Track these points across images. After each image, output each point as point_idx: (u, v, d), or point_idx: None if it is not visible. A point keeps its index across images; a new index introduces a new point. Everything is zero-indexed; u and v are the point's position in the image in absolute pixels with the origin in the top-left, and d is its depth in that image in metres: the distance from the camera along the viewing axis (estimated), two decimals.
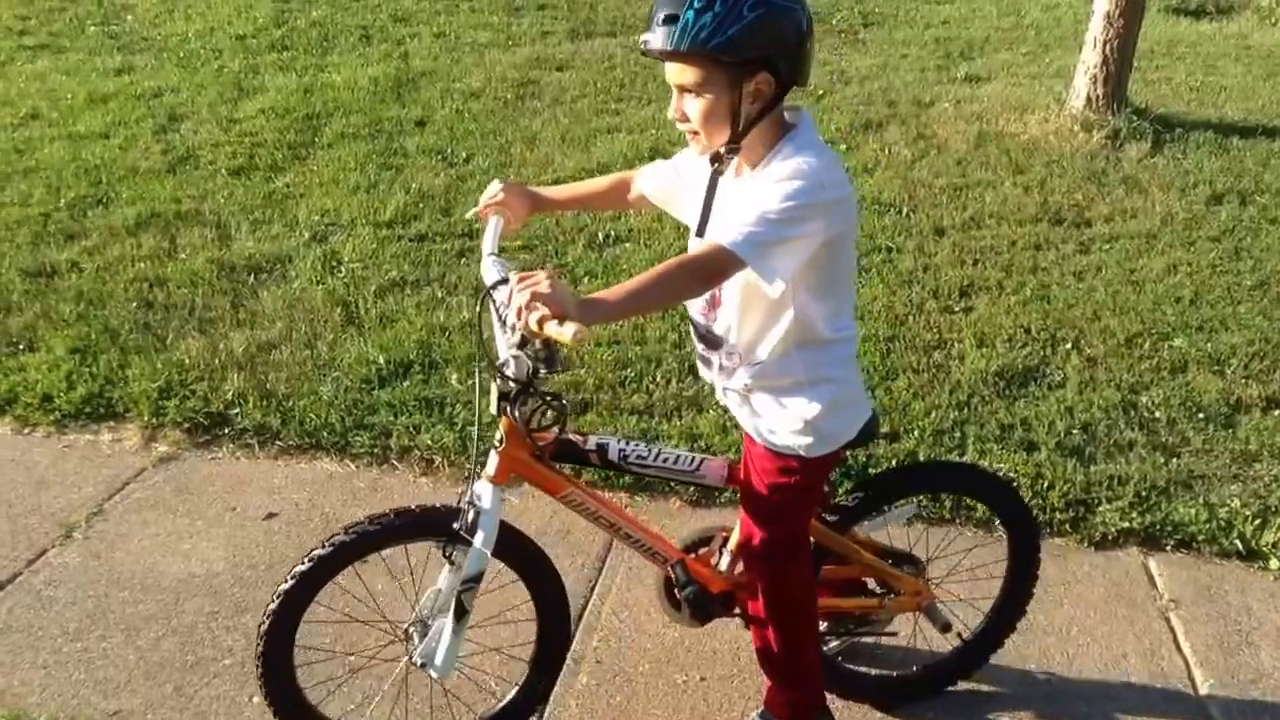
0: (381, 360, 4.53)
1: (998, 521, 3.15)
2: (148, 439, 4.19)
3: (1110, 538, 3.73)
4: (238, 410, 4.27)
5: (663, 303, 2.31)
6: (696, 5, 2.13)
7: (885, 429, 4.17)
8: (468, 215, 2.71)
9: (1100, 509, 3.81)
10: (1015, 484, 3.23)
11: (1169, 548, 3.72)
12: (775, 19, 2.17)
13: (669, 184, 2.62)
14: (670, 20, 2.15)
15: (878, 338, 4.80)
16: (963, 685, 3.14)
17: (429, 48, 8.84)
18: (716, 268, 2.15)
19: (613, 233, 5.69)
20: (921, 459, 4.02)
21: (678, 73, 2.23)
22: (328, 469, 4.06)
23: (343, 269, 5.34)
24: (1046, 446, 4.09)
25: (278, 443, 4.18)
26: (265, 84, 7.94)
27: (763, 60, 2.19)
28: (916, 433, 4.16)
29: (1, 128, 7.06)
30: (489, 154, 6.76)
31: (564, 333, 1.97)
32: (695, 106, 2.24)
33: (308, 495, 3.91)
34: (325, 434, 4.16)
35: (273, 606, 2.54)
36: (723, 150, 2.30)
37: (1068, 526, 3.77)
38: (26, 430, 4.25)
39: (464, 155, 6.74)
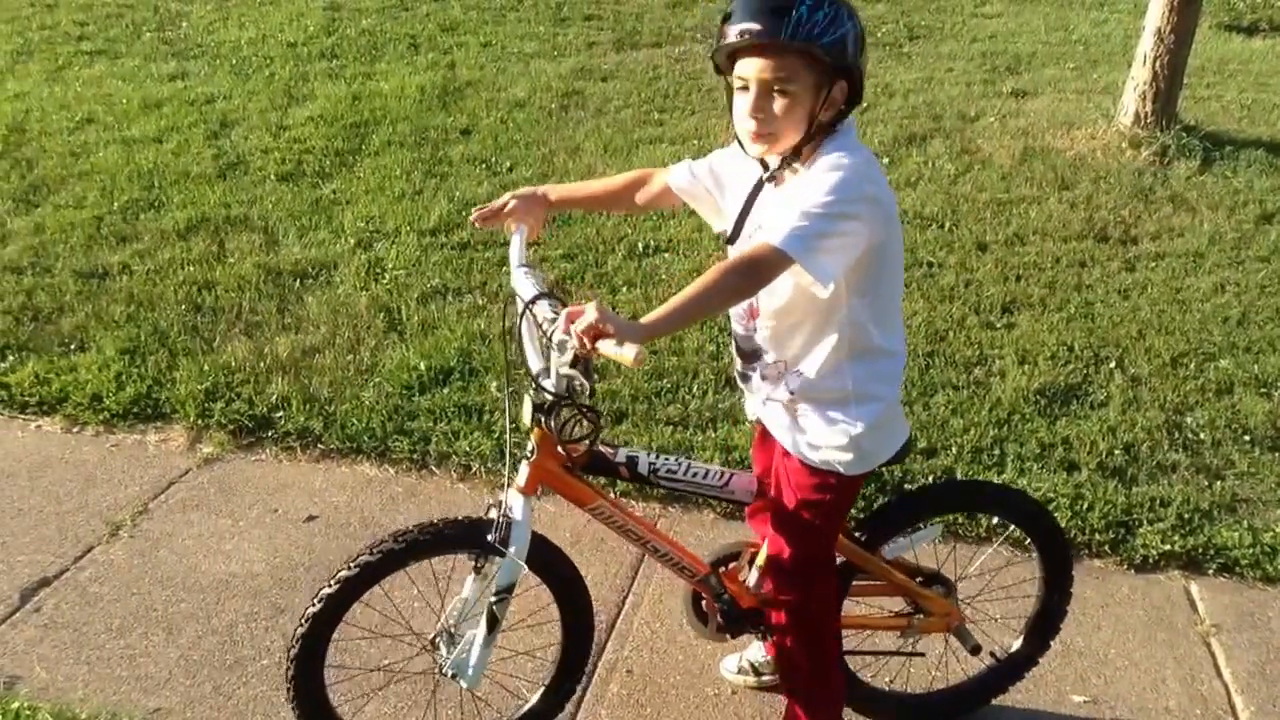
0: (422, 367, 4.57)
1: (1028, 541, 3.09)
2: (193, 440, 4.25)
3: (1151, 560, 3.70)
4: (281, 413, 4.33)
5: (717, 307, 2.30)
6: (808, 2, 2.15)
7: (923, 444, 4.16)
8: (472, 220, 2.70)
9: (1141, 531, 3.77)
10: (1036, 500, 3.22)
11: (1211, 572, 3.68)
12: (861, 34, 2.24)
13: (704, 183, 2.61)
14: (781, 12, 2.16)
15: (917, 353, 4.78)
16: (997, 707, 3.12)
17: (475, 57, 8.91)
18: (766, 267, 2.17)
19: (652, 243, 5.71)
20: (959, 477, 4.00)
21: (771, 67, 2.22)
22: (367, 473, 4.11)
23: (386, 276, 5.40)
24: (1088, 467, 4.07)
25: (319, 446, 4.23)
26: (315, 91, 8.04)
27: (847, 70, 2.23)
28: (955, 449, 4.14)
29: (58, 131, 7.19)
30: (532, 164, 6.80)
31: (625, 354, 2.01)
32: (780, 103, 2.24)
33: (347, 498, 3.95)
34: (366, 438, 4.21)
35: (311, 608, 2.53)
36: (772, 161, 2.33)
37: (1108, 548, 3.74)
38: (76, 429, 4.33)
39: (508, 165, 6.78)
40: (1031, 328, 5.02)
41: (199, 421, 4.31)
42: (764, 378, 2.53)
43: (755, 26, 2.18)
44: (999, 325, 5.07)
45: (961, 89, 8.46)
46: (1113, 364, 4.75)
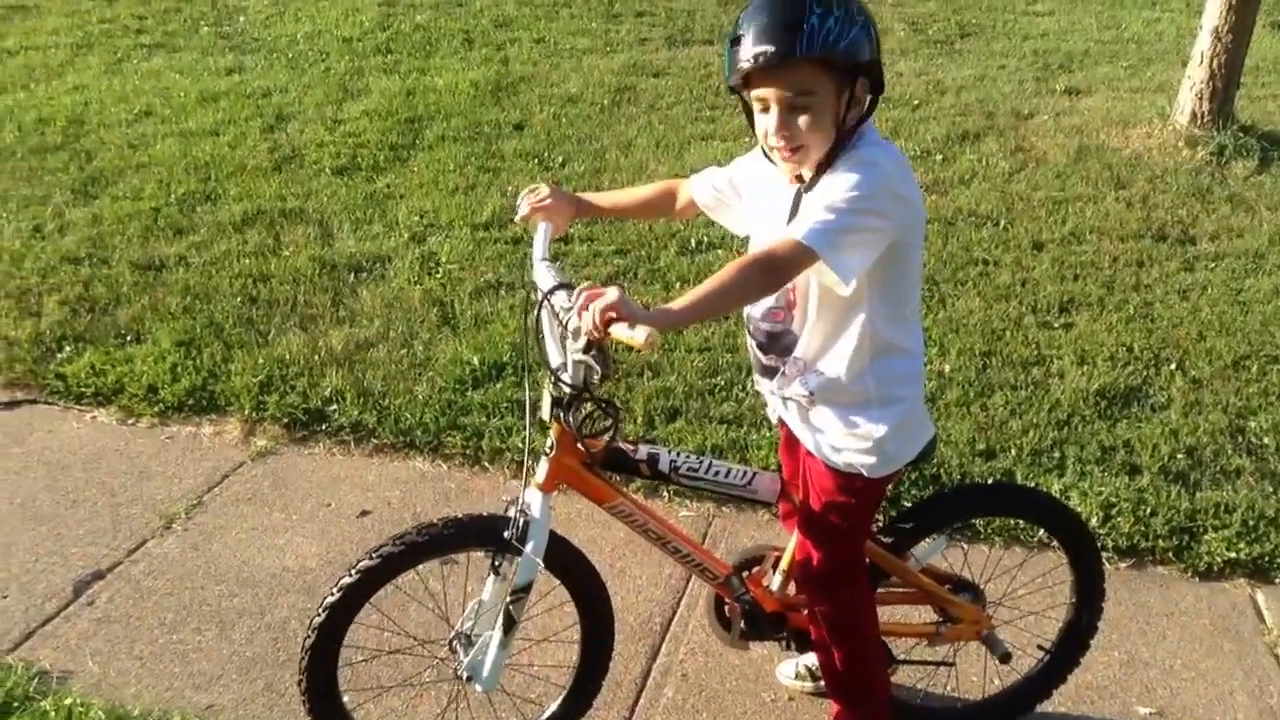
0: (475, 361, 4.57)
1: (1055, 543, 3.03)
2: (247, 433, 4.27)
3: (1216, 568, 3.63)
4: (335, 407, 4.34)
5: (736, 303, 2.27)
6: (818, 11, 2.11)
7: (981, 446, 4.11)
8: (515, 220, 2.72)
9: (1206, 538, 3.70)
10: (1060, 501, 3.19)
11: (1278, 580, 3.60)
12: (873, 27, 2.20)
13: (724, 196, 2.60)
14: (793, 27, 2.12)
15: (973, 352, 4.72)
16: (1068, 716, 3.07)
17: (528, 53, 8.91)
18: (790, 263, 2.13)
19: (705, 239, 5.68)
20: (1018, 479, 3.95)
21: (791, 84, 2.18)
22: (420, 468, 4.11)
23: (440, 270, 5.40)
24: (1150, 471, 3.99)
25: (373, 440, 4.23)
26: (369, 86, 8.07)
27: (866, 65, 2.19)
28: (1014, 451, 4.08)
29: (116, 123, 7.26)
30: (585, 159, 6.79)
31: (635, 336, 1.97)
32: (804, 119, 2.20)
33: (400, 494, 3.95)
34: (419, 433, 4.21)
35: (318, 621, 2.49)
36: (806, 175, 2.29)
37: (1171, 555, 3.67)
38: (131, 420, 4.36)
39: (560, 160, 6.77)
40: (1090, 328, 4.94)
41: (253, 414, 4.33)
42: (786, 374, 2.49)
43: (769, 48, 2.14)
44: (1057, 325, 4.99)
45: (1014, 86, 8.36)
46: (1173, 365, 4.67)
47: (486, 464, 4.10)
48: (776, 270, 2.15)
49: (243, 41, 9.18)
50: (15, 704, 2.96)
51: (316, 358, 4.62)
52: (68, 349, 4.71)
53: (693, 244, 5.65)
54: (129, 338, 4.81)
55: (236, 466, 4.09)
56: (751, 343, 2.56)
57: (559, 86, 8.10)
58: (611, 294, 2.02)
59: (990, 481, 3.93)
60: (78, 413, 4.41)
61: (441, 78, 8.22)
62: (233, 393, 4.41)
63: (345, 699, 2.70)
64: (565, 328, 2.22)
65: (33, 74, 8.30)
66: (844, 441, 2.46)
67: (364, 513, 3.86)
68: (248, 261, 5.45)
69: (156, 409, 4.38)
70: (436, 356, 4.65)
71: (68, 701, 2.98)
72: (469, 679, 2.59)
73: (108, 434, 4.28)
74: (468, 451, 4.14)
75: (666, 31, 9.60)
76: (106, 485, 3.97)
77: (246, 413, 4.33)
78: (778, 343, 2.48)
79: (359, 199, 6.19)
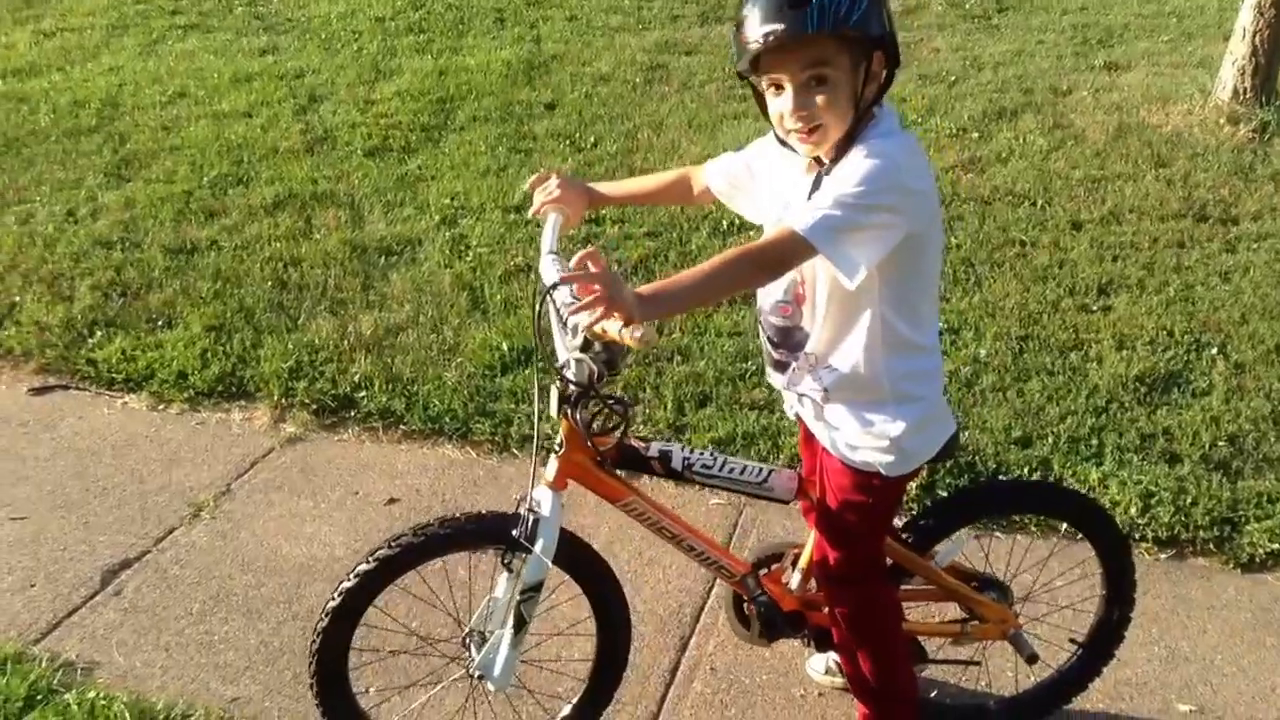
0: (505, 347, 4.54)
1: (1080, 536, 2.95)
2: (276, 419, 4.27)
3: (1259, 560, 3.54)
4: (364, 393, 4.32)
5: (727, 292, 2.21)
6: None
7: (1018, 433, 4.04)
8: (529, 214, 2.65)
9: (1248, 528, 3.61)
10: (1084, 495, 3.12)
11: None
12: None
13: (739, 181, 2.52)
14: (800, 3, 2.04)
15: (1010, 336, 4.64)
16: (1105, 714, 3.01)
17: (561, 31, 8.86)
18: (786, 254, 2.08)
19: (738, 221, 5.60)
20: (1044, 474, 3.88)
21: (805, 62, 2.10)
22: (449, 455, 4.09)
23: (470, 253, 5.37)
24: (1190, 459, 3.90)
25: (401, 427, 4.22)
26: (402, 66, 8.05)
27: (880, 38, 2.11)
28: (1051, 439, 4.01)
29: (150, 105, 7.29)
30: (616, 139, 6.73)
31: (630, 335, 1.92)
32: (821, 97, 2.12)
33: (429, 481, 3.93)
34: (448, 420, 4.19)
35: (322, 625, 2.47)
36: (826, 157, 2.21)
37: (1212, 546, 3.58)
38: (161, 407, 4.37)
39: (592, 140, 6.72)
40: (1129, 311, 4.84)
41: (283, 400, 4.32)
42: (796, 369, 2.43)
43: (778, 26, 2.05)
44: (1095, 308, 4.90)
45: (1052, 62, 8.20)
46: (1214, 350, 4.56)
47: (515, 451, 4.08)
48: (772, 262, 2.10)
49: (276, 22, 9.18)
50: (39, 696, 2.96)
51: (346, 343, 4.61)
52: (99, 334, 4.73)
53: (725, 225, 5.59)
54: (160, 323, 4.82)
55: (266, 453, 4.08)
56: (763, 336, 2.51)
57: (591, 65, 8.04)
58: (601, 289, 1.95)
59: (1009, 478, 3.83)
60: (108, 399, 4.42)
61: (473, 57, 8.18)
62: (262, 379, 4.41)
63: (371, 691, 2.68)
64: (565, 323, 2.18)
65: (68, 55, 8.34)
66: (860, 440, 2.40)
67: (392, 500, 3.84)
68: (279, 245, 5.44)
69: (186, 395, 4.39)
70: (466, 341, 4.63)
71: (91, 695, 2.98)
72: (481, 677, 2.56)
73: (138, 420, 4.29)
74: (496, 438, 4.11)
75: (699, 8, 9.50)
76: (136, 472, 3.98)
77: (276, 399, 4.33)
78: (789, 338, 2.41)
79: (390, 181, 6.17)
